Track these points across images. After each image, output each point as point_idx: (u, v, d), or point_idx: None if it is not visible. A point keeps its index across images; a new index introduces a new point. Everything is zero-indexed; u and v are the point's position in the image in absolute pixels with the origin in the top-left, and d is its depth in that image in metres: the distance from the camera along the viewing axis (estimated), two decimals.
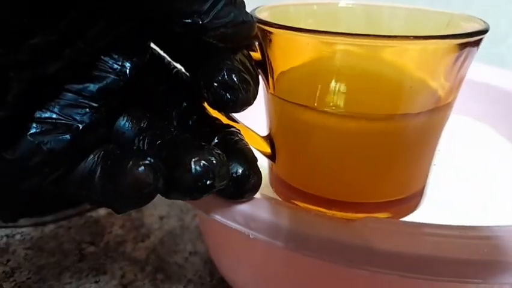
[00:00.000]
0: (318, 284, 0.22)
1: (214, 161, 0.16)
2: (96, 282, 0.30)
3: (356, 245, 0.17)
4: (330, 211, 0.20)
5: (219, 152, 0.16)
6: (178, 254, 0.32)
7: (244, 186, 0.18)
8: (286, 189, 0.21)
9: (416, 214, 0.27)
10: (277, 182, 0.22)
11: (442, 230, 0.17)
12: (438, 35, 0.17)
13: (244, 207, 0.19)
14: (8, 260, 0.32)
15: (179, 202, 0.38)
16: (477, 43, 0.18)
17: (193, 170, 0.16)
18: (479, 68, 0.37)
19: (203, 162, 0.16)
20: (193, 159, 0.16)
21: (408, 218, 0.26)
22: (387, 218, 0.20)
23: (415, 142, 0.19)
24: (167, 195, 0.16)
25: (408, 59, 0.18)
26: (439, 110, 0.19)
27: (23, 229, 0.35)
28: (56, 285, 0.30)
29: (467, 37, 0.17)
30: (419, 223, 0.18)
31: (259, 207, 0.19)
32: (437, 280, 0.17)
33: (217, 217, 0.20)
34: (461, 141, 0.33)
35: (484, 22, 0.19)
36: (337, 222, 0.18)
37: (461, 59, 0.18)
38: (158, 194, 0.16)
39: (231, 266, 0.27)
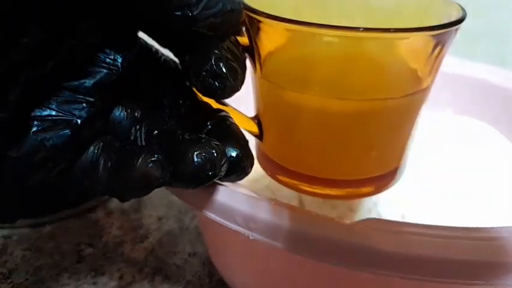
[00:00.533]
0: (318, 285, 0.22)
1: (215, 153, 0.17)
2: (94, 283, 0.30)
3: (356, 246, 0.17)
4: (315, 187, 0.21)
5: (217, 143, 0.17)
6: (177, 255, 0.32)
7: (239, 168, 0.19)
8: (273, 166, 0.22)
9: (416, 214, 0.27)
10: (264, 159, 0.23)
11: (445, 231, 0.17)
12: (417, 27, 0.17)
13: (244, 208, 0.19)
14: (6, 261, 0.31)
15: (178, 203, 0.37)
16: (454, 31, 0.19)
17: (196, 163, 0.17)
18: (480, 68, 0.37)
19: (204, 154, 0.17)
20: (196, 153, 0.17)
21: (409, 219, 0.26)
22: (370, 192, 0.22)
23: (396, 123, 0.21)
24: (171, 185, 0.17)
25: (390, 47, 0.19)
26: (419, 93, 0.20)
27: (21, 230, 0.34)
28: (54, 286, 0.29)
29: (446, 27, 0.18)
30: (421, 224, 0.18)
31: (259, 208, 0.19)
32: (440, 282, 0.17)
33: (217, 218, 0.19)
34: (461, 141, 0.33)
35: (462, 9, 0.20)
36: (337, 223, 0.18)
37: (439, 46, 0.19)
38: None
39: (231, 267, 0.27)
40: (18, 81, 0.15)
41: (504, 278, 0.16)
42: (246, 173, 0.19)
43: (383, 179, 0.22)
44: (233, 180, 0.19)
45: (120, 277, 0.30)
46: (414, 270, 0.16)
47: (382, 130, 0.20)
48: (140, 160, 0.16)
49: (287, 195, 0.28)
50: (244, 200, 0.19)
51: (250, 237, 0.19)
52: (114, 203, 0.38)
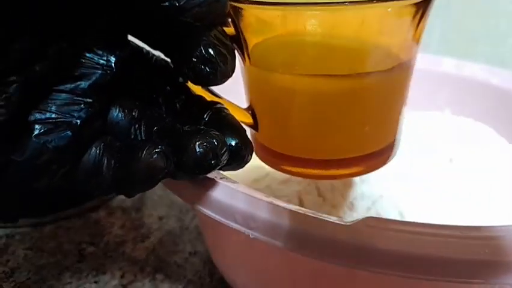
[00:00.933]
0: (318, 284, 0.22)
1: (215, 142, 0.18)
2: (96, 282, 0.30)
3: (355, 245, 0.17)
4: (314, 170, 0.21)
5: (217, 133, 0.18)
6: (178, 254, 0.32)
7: (239, 157, 0.19)
8: (272, 156, 0.23)
9: (415, 213, 0.27)
10: (262, 150, 0.23)
11: (443, 230, 0.17)
12: None
13: (244, 207, 0.19)
14: (8, 260, 0.32)
15: (179, 202, 0.38)
16: (430, 1, 0.19)
17: (198, 153, 0.17)
18: (478, 69, 0.37)
19: (206, 144, 0.17)
20: (197, 143, 0.17)
21: (408, 219, 0.26)
22: (363, 171, 0.23)
23: (386, 96, 0.21)
24: (175, 176, 0.18)
25: (370, 21, 0.19)
26: (404, 65, 0.21)
27: (23, 229, 0.35)
28: (55, 285, 0.30)
29: None
30: (420, 223, 0.18)
31: (259, 207, 0.19)
32: (438, 280, 0.17)
33: (217, 217, 0.19)
34: (460, 141, 0.33)
35: None
36: (337, 222, 0.18)
37: (419, 15, 0.19)
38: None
39: (231, 266, 0.27)
40: (18, 80, 0.15)
41: (501, 277, 0.16)
42: (246, 161, 0.20)
43: (378, 156, 0.23)
44: (234, 169, 0.20)
45: (121, 276, 0.30)
46: (413, 269, 0.17)
47: (372, 105, 0.21)
48: (145, 152, 0.17)
49: (287, 194, 0.29)
50: (244, 199, 0.19)
51: (251, 235, 0.19)
52: (116, 202, 0.38)
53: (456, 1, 0.47)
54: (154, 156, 0.17)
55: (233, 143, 0.19)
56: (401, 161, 0.31)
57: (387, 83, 0.21)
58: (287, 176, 0.31)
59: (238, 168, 0.20)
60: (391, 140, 0.23)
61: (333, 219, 0.18)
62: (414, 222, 0.18)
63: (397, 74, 0.21)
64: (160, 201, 0.38)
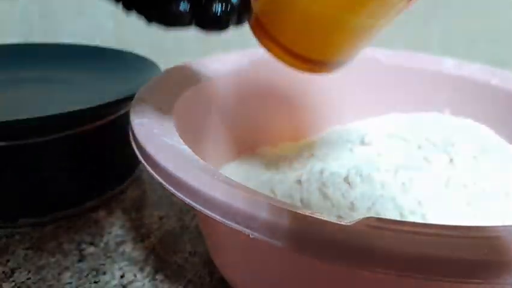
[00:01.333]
0: (318, 284, 0.22)
1: (230, 5, 0.22)
2: (96, 282, 0.30)
3: (356, 245, 0.17)
4: (282, 54, 0.25)
5: (229, 0, 0.22)
6: (178, 254, 0.32)
7: (241, 20, 0.23)
8: (256, 23, 0.26)
9: (415, 214, 0.27)
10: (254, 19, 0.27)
11: (443, 230, 0.17)
12: None
13: (244, 207, 0.19)
14: (8, 260, 0.32)
15: (179, 202, 0.38)
16: None
17: (217, 15, 0.21)
18: (479, 69, 0.37)
19: (223, 8, 0.21)
20: (217, 7, 0.21)
21: (409, 218, 0.26)
22: (326, 70, 0.26)
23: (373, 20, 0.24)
24: (195, 27, 0.22)
25: None
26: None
27: (23, 229, 0.35)
28: (55, 285, 0.30)
29: None
30: (419, 223, 0.18)
31: (259, 206, 0.19)
32: (438, 280, 0.17)
33: (217, 217, 0.19)
34: (459, 142, 0.33)
35: None
36: (337, 222, 0.18)
37: None
38: None
39: (231, 266, 0.27)
40: None
41: (503, 277, 0.16)
42: (244, 22, 0.24)
43: (339, 64, 0.27)
44: (235, 27, 0.23)
45: (121, 276, 0.30)
46: (413, 269, 0.17)
47: (358, 28, 0.24)
48: (178, 5, 0.21)
49: (287, 194, 0.29)
50: (244, 199, 0.19)
51: (251, 236, 0.19)
52: (115, 202, 0.38)
53: (456, 1, 0.47)
54: (183, 12, 0.21)
55: (239, 7, 0.23)
56: (401, 161, 0.31)
57: (380, 9, 0.23)
58: (287, 176, 0.31)
59: (240, 24, 0.24)
60: (357, 55, 0.26)
61: (333, 219, 0.18)
62: (414, 222, 0.18)
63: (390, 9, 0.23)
64: (160, 201, 0.38)
